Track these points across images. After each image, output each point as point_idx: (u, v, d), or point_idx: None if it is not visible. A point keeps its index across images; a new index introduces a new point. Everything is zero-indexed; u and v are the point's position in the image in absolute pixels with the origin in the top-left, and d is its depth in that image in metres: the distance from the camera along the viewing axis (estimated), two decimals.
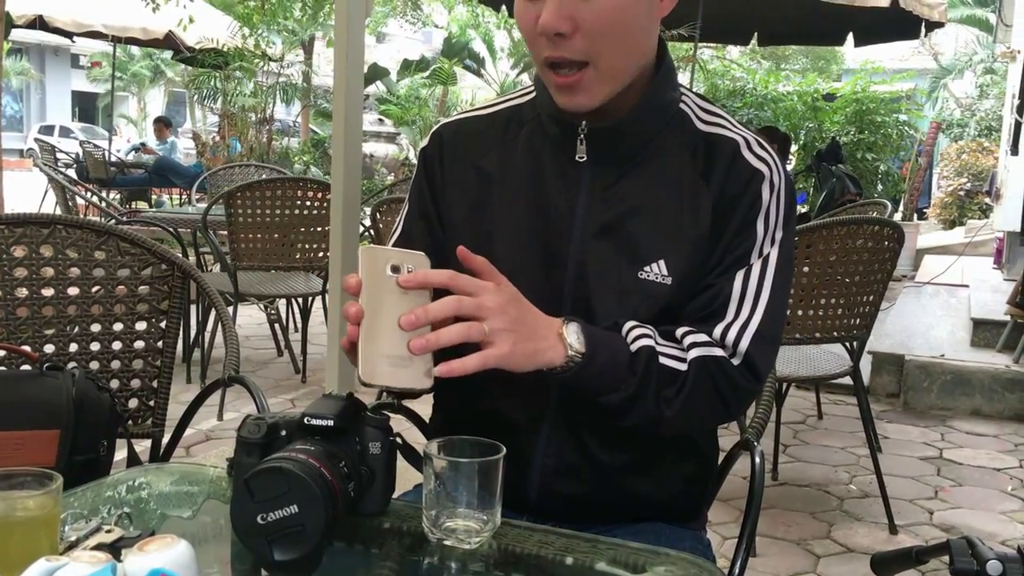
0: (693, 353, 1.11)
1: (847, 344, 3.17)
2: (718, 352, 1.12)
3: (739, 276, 1.15)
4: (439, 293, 1.00)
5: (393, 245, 1.27)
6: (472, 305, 0.98)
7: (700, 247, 1.15)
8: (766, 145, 1.20)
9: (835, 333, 2.97)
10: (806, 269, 2.85)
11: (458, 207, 1.24)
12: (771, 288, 1.16)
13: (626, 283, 1.15)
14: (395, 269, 1.00)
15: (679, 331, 1.13)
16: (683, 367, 1.11)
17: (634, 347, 1.09)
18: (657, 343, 1.10)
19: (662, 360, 1.09)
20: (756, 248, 1.16)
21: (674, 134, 1.19)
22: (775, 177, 1.17)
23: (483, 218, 1.21)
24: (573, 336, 1.05)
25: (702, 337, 1.13)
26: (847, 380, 3.13)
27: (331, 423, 0.96)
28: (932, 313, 5.96)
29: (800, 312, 2.89)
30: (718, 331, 1.13)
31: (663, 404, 1.10)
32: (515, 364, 1.01)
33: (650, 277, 1.15)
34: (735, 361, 1.13)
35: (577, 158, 1.18)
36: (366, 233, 4.47)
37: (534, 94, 1.25)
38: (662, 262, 1.15)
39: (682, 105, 1.21)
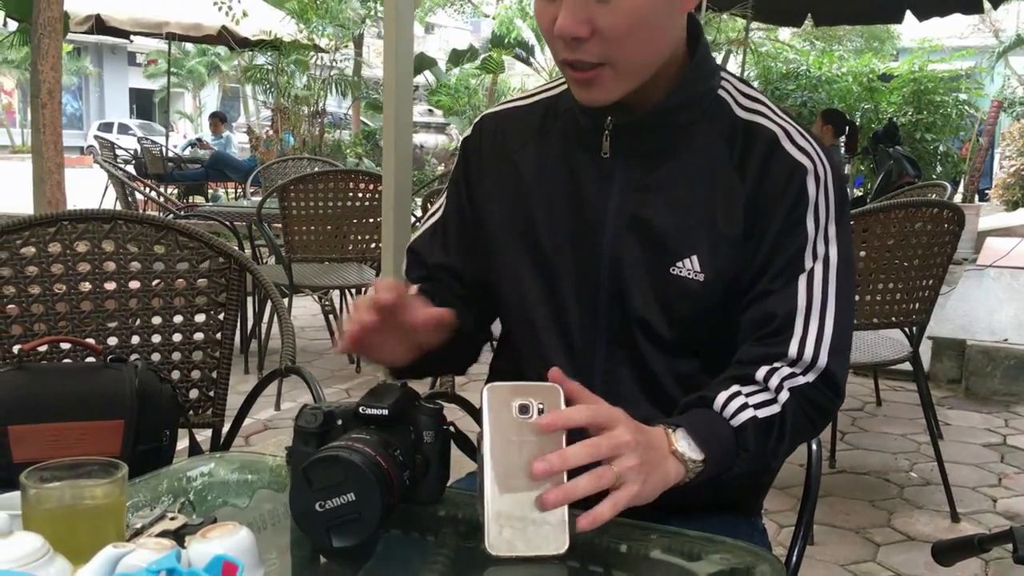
0: (784, 393, 1.08)
1: (906, 329, 3.11)
2: (801, 380, 1.09)
3: (802, 284, 1.11)
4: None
5: (426, 232, 1.31)
6: (608, 447, 0.93)
7: (735, 244, 1.12)
8: (808, 135, 1.15)
9: (894, 318, 2.91)
10: (863, 254, 2.80)
11: (496, 200, 1.24)
12: (836, 293, 1.12)
13: (659, 278, 1.14)
14: (523, 409, 0.94)
15: (759, 373, 1.09)
16: (777, 409, 1.08)
17: (735, 422, 1.06)
18: (750, 403, 1.07)
19: (760, 416, 1.07)
20: (809, 247, 1.12)
21: (711, 122, 1.15)
22: (820, 169, 1.12)
23: (523, 213, 1.21)
24: (684, 445, 1.00)
25: (785, 370, 1.09)
26: (906, 366, 3.07)
27: (386, 412, 0.97)
28: (995, 296, 5.82)
29: (858, 297, 2.83)
30: (793, 348, 1.10)
31: (770, 457, 1.09)
32: (645, 499, 0.95)
33: (682, 273, 1.12)
34: (813, 377, 1.10)
35: (602, 154, 1.16)
36: (417, 223, 4.50)
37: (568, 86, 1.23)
38: (695, 258, 1.12)
39: (721, 91, 1.17)
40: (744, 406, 1.07)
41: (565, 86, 1.24)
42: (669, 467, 0.99)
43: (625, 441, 0.94)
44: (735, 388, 1.08)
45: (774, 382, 1.09)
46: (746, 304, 1.14)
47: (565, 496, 0.91)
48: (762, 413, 1.07)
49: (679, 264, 1.13)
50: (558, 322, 1.20)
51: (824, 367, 1.10)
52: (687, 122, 1.15)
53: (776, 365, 1.10)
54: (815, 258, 1.12)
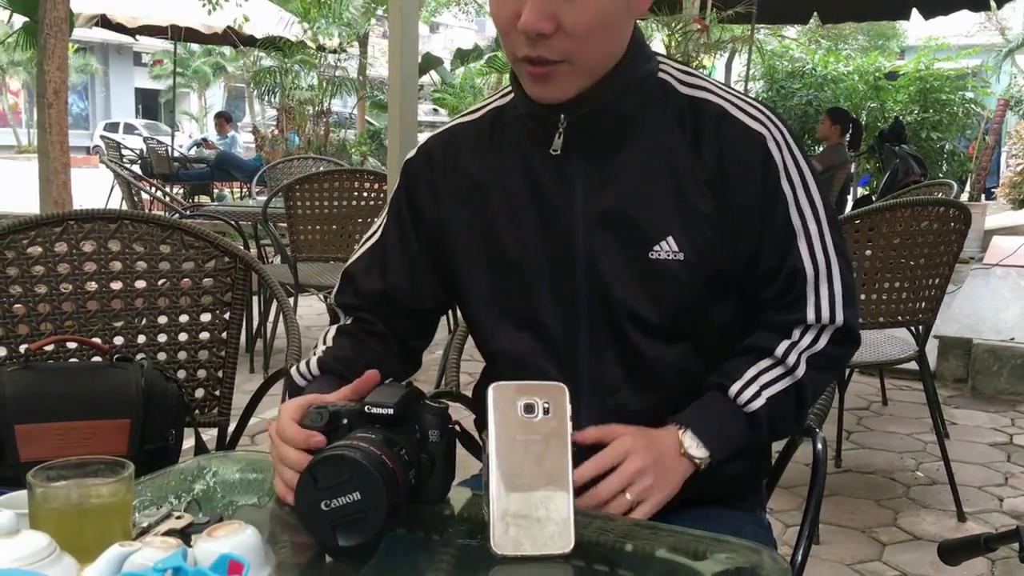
0: (802, 368, 1.17)
1: (912, 328, 3.10)
2: (820, 346, 1.17)
3: (803, 249, 1.16)
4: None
5: (363, 255, 1.30)
6: (619, 481, 1.06)
7: (707, 219, 1.14)
8: (754, 102, 1.18)
9: (900, 317, 2.91)
10: (869, 252, 2.79)
11: (458, 216, 1.23)
12: (834, 248, 1.18)
13: (640, 266, 1.15)
14: (529, 408, 0.96)
15: (779, 349, 1.17)
16: (793, 380, 1.17)
17: (750, 408, 1.15)
18: (765, 380, 1.16)
19: (776, 391, 1.16)
20: (792, 208, 1.15)
21: (657, 106, 1.17)
22: (776, 133, 1.15)
23: (485, 224, 1.21)
24: (691, 444, 1.11)
25: (804, 342, 1.17)
26: (912, 365, 3.06)
27: (391, 411, 0.97)
28: (1001, 296, 5.80)
29: (864, 296, 2.83)
30: (811, 314, 1.17)
31: (792, 422, 1.20)
32: (666, 500, 1.09)
33: (662, 256, 1.14)
34: (835, 334, 1.18)
35: (552, 150, 1.15)
36: None
37: (513, 95, 1.22)
38: (670, 239, 1.14)
39: (661, 73, 1.19)
40: (758, 393, 1.15)
41: (509, 96, 1.24)
42: (680, 468, 1.11)
43: (637, 468, 1.06)
44: (752, 373, 1.16)
45: (792, 359, 1.16)
46: (758, 282, 1.18)
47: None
48: (779, 386, 1.16)
49: (656, 248, 1.14)
50: (538, 329, 1.20)
51: (842, 322, 1.18)
52: (634, 108, 1.16)
53: (795, 339, 1.17)
54: (803, 218, 1.16)
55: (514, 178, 1.20)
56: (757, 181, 1.14)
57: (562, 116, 1.14)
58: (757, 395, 1.15)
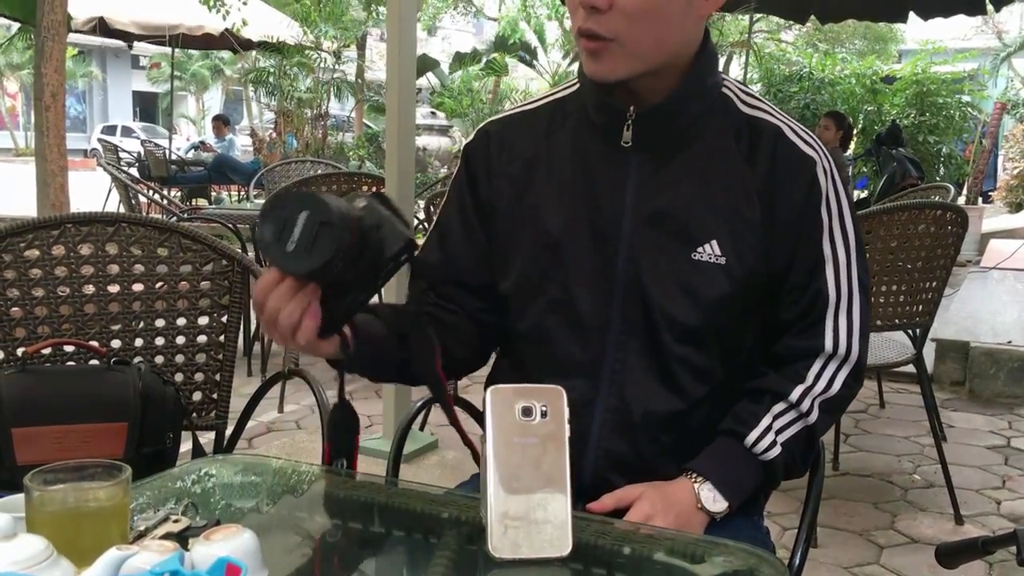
0: (814, 414, 1.20)
1: (910, 331, 3.10)
2: (835, 389, 1.20)
3: (830, 275, 1.19)
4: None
5: (428, 239, 1.32)
6: (641, 518, 1.12)
7: (753, 228, 1.17)
8: (807, 131, 1.22)
9: (897, 321, 2.91)
10: (866, 256, 2.80)
11: (506, 193, 1.26)
12: (858, 281, 1.21)
13: (681, 265, 1.17)
14: (526, 411, 0.95)
15: (794, 394, 1.20)
16: (806, 423, 1.20)
17: (766, 457, 1.18)
18: (779, 429, 1.18)
19: (790, 438, 1.19)
20: (825, 236, 1.19)
21: (717, 117, 1.21)
22: (825, 162, 1.19)
23: (534, 203, 1.24)
24: (711, 501, 1.15)
25: (818, 386, 1.20)
26: (910, 368, 3.06)
27: None
28: (998, 299, 5.81)
29: None
30: (829, 342, 1.19)
31: (800, 464, 1.22)
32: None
33: (704, 258, 1.17)
34: (847, 370, 1.21)
35: (623, 143, 1.19)
36: (420, 226, 4.49)
37: (578, 86, 1.26)
38: (715, 242, 1.17)
39: (724, 89, 1.23)
40: (774, 442, 1.18)
41: (573, 88, 1.28)
42: (698, 521, 1.15)
43: (648, 512, 1.12)
44: (767, 421, 1.18)
45: (806, 405, 1.19)
46: (781, 300, 1.20)
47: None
48: (792, 431, 1.19)
49: (700, 250, 1.17)
50: (570, 313, 1.21)
51: (856, 357, 1.21)
52: (697, 113, 1.19)
53: (810, 383, 1.19)
54: (834, 247, 1.19)
55: (567, 165, 1.23)
56: (801, 201, 1.17)
57: (632, 108, 1.17)
58: (773, 444, 1.18)
